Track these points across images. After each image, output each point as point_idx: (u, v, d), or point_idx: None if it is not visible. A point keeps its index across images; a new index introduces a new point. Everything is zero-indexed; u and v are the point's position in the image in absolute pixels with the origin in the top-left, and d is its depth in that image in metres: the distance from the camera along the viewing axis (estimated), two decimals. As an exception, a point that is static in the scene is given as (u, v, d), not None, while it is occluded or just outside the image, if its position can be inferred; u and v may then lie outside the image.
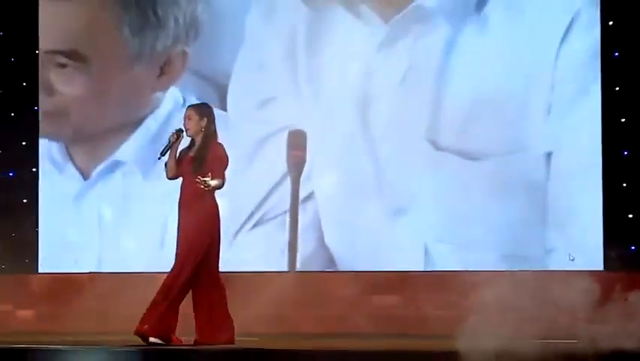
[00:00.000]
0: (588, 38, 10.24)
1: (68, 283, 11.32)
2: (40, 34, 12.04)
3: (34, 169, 12.00)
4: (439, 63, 10.51)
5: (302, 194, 10.75)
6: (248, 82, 11.06)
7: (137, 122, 11.45)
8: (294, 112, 10.93)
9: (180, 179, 7.75)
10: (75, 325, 10.13)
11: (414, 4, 10.51)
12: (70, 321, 10.38)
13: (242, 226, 10.93)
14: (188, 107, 7.95)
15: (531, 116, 10.31)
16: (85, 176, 11.72)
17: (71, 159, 11.79)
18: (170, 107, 11.30)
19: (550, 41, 10.28)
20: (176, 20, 11.24)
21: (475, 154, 10.35)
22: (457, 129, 10.43)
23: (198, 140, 7.68)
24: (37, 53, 12.10)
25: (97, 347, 7.12)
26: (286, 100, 10.96)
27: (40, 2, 11.93)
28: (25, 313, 10.94)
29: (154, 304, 7.49)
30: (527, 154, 10.30)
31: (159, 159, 7.73)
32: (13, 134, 12.01)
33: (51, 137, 11.94)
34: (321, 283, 10.60)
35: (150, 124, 11.37)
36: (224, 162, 7.72)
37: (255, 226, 10.94)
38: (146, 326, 7.41)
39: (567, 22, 10.25)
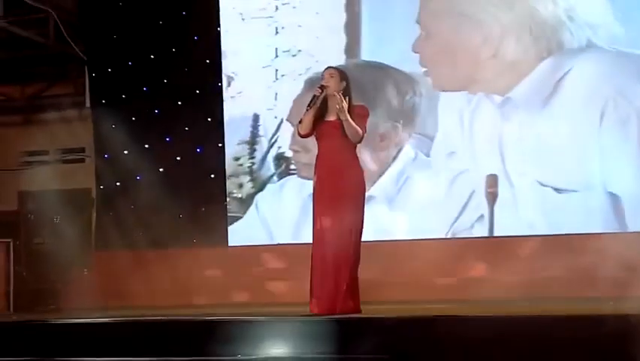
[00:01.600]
0: None
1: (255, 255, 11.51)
2: (221, 13, 12.28)
3: (220, 144, 12.21)
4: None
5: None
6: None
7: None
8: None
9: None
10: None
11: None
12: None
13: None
14: (329, 67, 7.82)
15: None
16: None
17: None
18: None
19: None
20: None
21: None
22: None
23: (344, 108, 7.52)
24: (219, 31, 12.32)
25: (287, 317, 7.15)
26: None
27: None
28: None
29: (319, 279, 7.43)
30: None
31: (308, 110, 7.57)
32: (199, 111, 12.24)
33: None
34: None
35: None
36: (366, 116, 7.62)
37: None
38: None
39: None
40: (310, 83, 11.17)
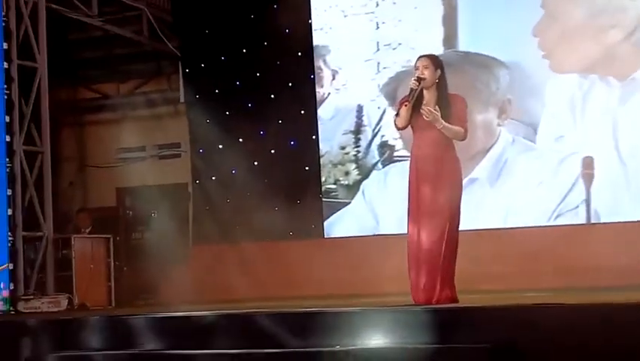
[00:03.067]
0: None
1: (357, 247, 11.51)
2: (312, 6, 12.33)
3: (314, 137, 12.24)
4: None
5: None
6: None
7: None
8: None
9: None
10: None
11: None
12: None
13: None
14: (422, 56, 7.65)
15: None
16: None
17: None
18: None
19: None
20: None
21: None
22: None
23: (432, 91, 7.44)
24: (310, 24, 12.35)
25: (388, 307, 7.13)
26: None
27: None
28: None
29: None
30: None
31: (408, 104, 7.48)
32: (292, 104, 12.28)
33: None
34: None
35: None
36: (464, 106, 7.46)
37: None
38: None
39: None
40: (406, 75, 11.19)
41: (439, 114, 7.28)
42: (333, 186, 12.25)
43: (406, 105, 7.38)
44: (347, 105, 12.30)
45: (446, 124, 7.29)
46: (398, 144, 11.89)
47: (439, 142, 7.44)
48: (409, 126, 7.52)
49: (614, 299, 6.53)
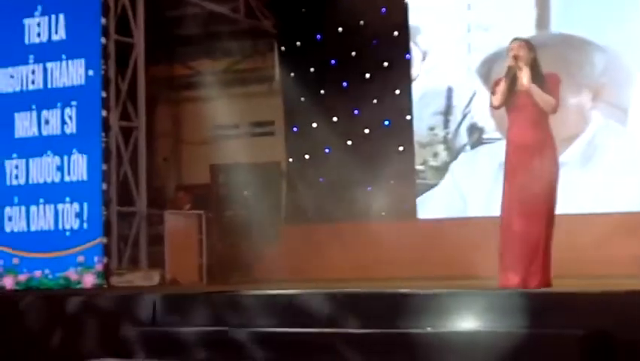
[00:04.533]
0: None
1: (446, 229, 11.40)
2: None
3: (408, 117, 12.13)
4: None
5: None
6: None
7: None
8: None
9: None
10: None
11: None
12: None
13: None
14: (516, 39, 7.62)
15: None
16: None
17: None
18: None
19: None
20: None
21: None
22: None
23: (526, 72, 7.35)
24: (406, 4, 12.24)
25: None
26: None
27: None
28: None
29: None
30: None
31: (505, 82, 7.41)
32: (388, 84, 12.18)
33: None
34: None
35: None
36: (558, 83, 7.38)
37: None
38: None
39: None
40: (499, 56, 11.07)
41: (529, 76, 7.24)
42: (422, 167, 12.15)
43: (505, 81, 7.32)
44: (437, 86, 12.19)
45: (538, 90, 7.20)
46: (488, 126, 11.73)
47: (536, 123, 7.36)
48: (504, 108, 7.46)
49: None
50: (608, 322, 5.96)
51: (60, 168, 10.98)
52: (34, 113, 11.13)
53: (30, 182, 11.10)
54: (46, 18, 11.16)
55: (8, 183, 11.20)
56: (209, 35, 13.66)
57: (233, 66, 14.07)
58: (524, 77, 7.29)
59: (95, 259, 10.77)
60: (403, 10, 12.28)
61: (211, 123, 13.65)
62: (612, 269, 9.55)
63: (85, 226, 10.83)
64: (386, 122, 12.27)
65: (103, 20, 11.12)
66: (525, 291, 6.84)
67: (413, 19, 12.30)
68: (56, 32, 11.12)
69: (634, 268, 9.52)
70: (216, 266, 12.18)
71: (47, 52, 11.12)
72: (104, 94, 11.04)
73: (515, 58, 7.35)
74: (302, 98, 12.58)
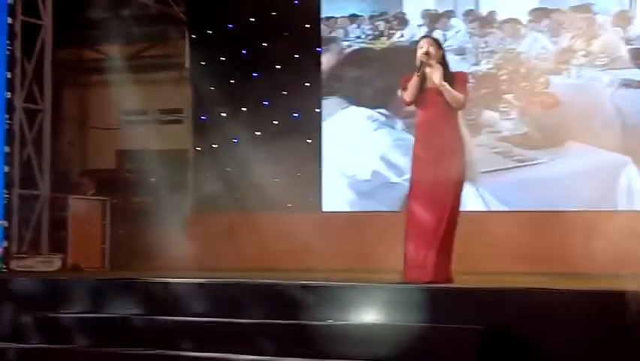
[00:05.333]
0: None
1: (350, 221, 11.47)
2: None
3: (317, 110, 12.15)
4: None
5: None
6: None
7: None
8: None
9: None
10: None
11: None
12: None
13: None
14: (426, 36, 7.88)
15: None
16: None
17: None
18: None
19: None
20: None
21: None
22: None
23: (438, 68, 7.44)
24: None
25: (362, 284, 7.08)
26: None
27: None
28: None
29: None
30: None
31: (417, 77, 7.50)
32: (298, 76, 12.18)
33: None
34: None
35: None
36: (466, 81, 7.57)
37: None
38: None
39: None
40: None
41: (441, 74, 7.32)
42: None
43: (416, 77, 7.39)
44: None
45: (448, 86, 7.31)
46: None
47: (445, 120, 7.44)
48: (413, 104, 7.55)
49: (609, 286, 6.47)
50: (507, 317, 6.05)
51: (-39, 149, 10.77)
52: (-64, 92, 10.89)
53: None
54: (-51, -4, 10.93)
55: None
56: (120, 20, 13.48)
57: (143, 52, 13.94)
58: (436, 73, 7.36)
59: (-5, 242, 10.60)
60: (316, 2, 12.29)
61: (119, 109, 13.52)
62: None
63: (-15, 208, 10.65)
64: (295, 114, 12.27)
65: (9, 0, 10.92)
66: (426, 286, 6.90)
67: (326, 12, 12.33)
68: (-40, 11, 10.89)
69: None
70: (120, 253, 12.07)
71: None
72: (8, 75, 10.84)
73: (427, 54, 7.43)
74: (211, 87, 12.50)
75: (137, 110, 13.56)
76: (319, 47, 12.26)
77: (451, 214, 7.39)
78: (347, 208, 11.95)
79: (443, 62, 7.50)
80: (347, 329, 6.29)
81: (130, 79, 13.21)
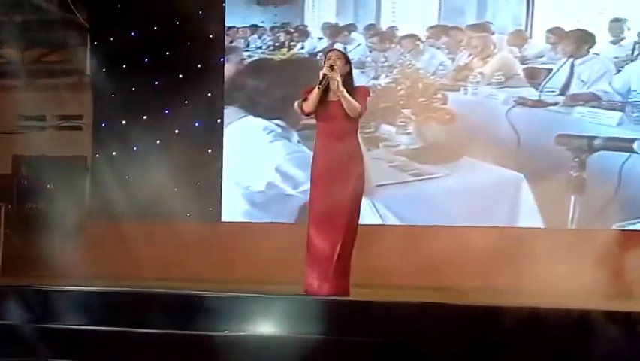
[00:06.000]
0: None
1: (248, 232, 11.48)
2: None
3: (219, 120, 12.16)
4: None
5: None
6: None
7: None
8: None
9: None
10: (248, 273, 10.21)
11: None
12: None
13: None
14: (334, 49, 8.03)
15: None
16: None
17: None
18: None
19: None
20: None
21: None
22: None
23: (339, 82, 7.55)
24: (224, 7, 12.29)
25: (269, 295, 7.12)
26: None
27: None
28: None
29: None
30: None
31: (319, 88, 7.58)
32: (200, 85, 12.17)
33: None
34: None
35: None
36: (366, 98, 7.69)
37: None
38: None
39: None
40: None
41: (340, 81, 7.41)
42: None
43: (318, 89, 7.49)
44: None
45: (346, 94, 7.40)
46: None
47: (344, 135, 7.55)
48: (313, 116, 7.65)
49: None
50: (402, 330, 6.15)
51: None
52: None
53: None
54: None
55: None
56: (20, 24, 13.31)
57: (44, 57, 13.77)
58: (337, 84, 7.45)
59: None
60: (221, 13, 12.32)
61: (17, 114, 13.33)
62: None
63: None
64: (196, 124, 12.26)
65: None
66: (324, 298, 6.99)
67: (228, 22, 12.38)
68: None
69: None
70: (13, 259, 11.87)
71: None
72: None
73: (331, 68, 7.53)
74: (112, 95, 12.41)
75: (36, 115, 13.39)
76: (222, 57, 12.27)
77: (349, 227, 7.49)
78: (243, 219, 11.96)
79: (348, 77, 7.61)
80: (243, 340, 6.33)
81: (29, 84, 13.06)
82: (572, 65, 10.82)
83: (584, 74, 10.78)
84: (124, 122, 12.34)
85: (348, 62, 7.73)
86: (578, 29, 10.82)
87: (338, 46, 11.31)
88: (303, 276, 7.54)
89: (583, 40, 10.76)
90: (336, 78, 7.47)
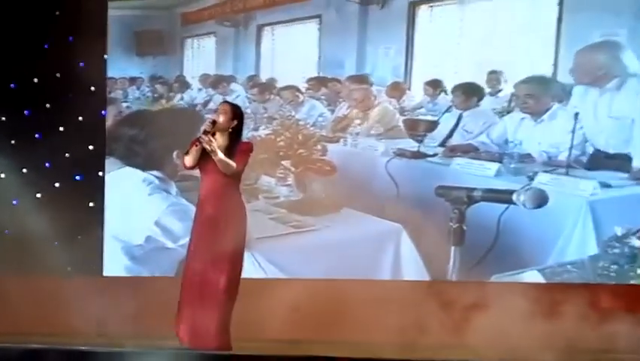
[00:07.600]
0: None
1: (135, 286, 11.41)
2: (108, 40, 12.26)
3: (100, 173, 12.10)
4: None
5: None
6: None
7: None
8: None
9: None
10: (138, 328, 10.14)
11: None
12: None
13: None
14: (225, 102, 8.04)
15: None
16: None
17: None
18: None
19: None
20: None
21: None
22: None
23: (226, 136, 7.65)
24: (105, 58, 12.26)
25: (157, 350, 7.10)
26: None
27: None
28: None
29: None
30: None
31: (198, 143, 7.63)
32: (81, 138, 12.11)
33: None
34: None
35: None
36: (247, 155, 7.78)
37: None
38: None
39: None
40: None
41: (215, 144, 7.43)
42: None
43: (196, 145, 7.54)
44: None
45: (222, 156, 7.45)
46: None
47: (224, 188, 7.63)
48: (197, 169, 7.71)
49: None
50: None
51: None
52: None
53: None
54: None
55: None
56: None
57: None
58: (213, 143, 7.51)
59: None
60: (102, 64, 12.30)
61: None
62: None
63: None
64: (77, 177, 12.17)
65: None
66: (205, 353, 7.00)
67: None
68: None
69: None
70: None
71: None
72: None
73: (212, 123, 7.61)
74: (-10, 147, 12.25)
75: None
76: (104, 110, 12.23)
77: (230, 282, 7.53)
78: (124, 273, 11.88)
79: (234, 132, 7.68)
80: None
81: None
82: (460, 117, 10.95)
83: (469, 125, 10.91)
84: (2, 175, 12.17)
85: (235, 116, 7.77)
86: (466, 83, 10.92)
87: (217, 98, 11.38)
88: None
89: (472, 93, 10.89)
90: (208, 142, 7.50)
